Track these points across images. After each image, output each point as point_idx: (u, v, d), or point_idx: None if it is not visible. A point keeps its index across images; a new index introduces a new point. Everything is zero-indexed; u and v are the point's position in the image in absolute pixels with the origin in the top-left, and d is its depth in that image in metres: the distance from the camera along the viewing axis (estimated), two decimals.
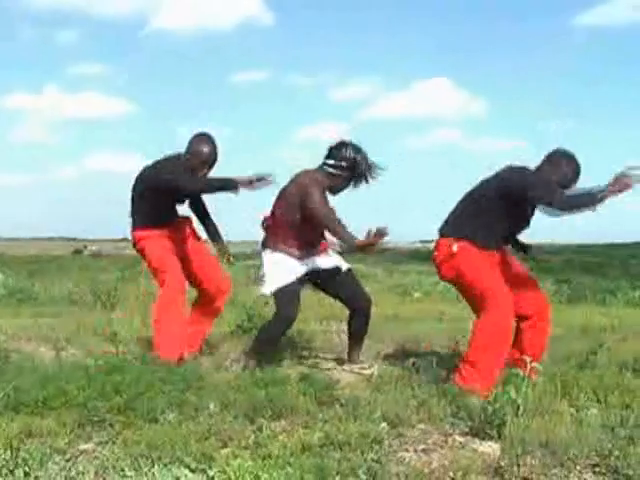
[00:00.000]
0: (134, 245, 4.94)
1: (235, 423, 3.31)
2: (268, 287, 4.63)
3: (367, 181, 4.66)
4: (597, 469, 2.90)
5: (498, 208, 4.27)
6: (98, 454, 2.96)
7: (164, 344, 4.60)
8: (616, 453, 2.93)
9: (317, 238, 4.75)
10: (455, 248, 4.28)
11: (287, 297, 4.57)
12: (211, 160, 4.67)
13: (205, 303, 5.03)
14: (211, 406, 3.55)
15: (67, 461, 2.88)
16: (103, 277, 13.52)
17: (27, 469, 2.73)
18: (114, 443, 3.07)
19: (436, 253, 4.42)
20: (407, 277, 15.30)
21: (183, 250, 4.93)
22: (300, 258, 4.67)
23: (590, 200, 3.99)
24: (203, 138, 4.70)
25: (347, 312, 4.93)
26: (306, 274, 4.71)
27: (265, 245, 4.74)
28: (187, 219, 5.06)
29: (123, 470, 2.74)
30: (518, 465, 2.86)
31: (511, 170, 4.33)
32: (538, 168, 4.31)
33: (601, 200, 3.96)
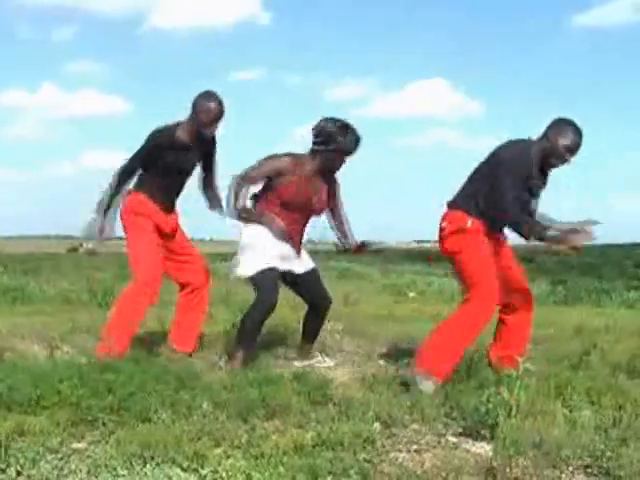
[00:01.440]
0: (122, 216, 4.77)
1: (228, 422, 3.31)
2: (245, 269, 4.60)
3: (353, 146, 4.64)
4: (589, 470, 2.91)
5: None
6: (91, 453, 2.95)
7: (113, 340, 4.48)
8: (608, 454, 2.93)
9: (300, 230, 4.76)
10: (469, 224, 4.25)
11: (267, 282, 4.54)
12: (220, 115, 4.68)
13: (191, 297, 4.98)
14: (204, 405, 3.54)
15: (60, 460, 2.86)
16: (99, 275, 13.51)
17: (19, 468, 2.72)
18: (107, 442, 3.06)
19: (446, 224, 4.35)
20: (402, 277, 15.34)
21: (170, 241, 4.87)
22: (284, 236, 4.63)
23: (531, 232, 4.12)
24: (209, 94, 4.69)
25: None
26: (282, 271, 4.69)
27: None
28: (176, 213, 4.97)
29: (115, 469, 2.73)
30: (510, 466, 2.86)
31: (508, 152, 4.29)
32: (545, 137, 4.29)
33: (541, 239, 4.11)
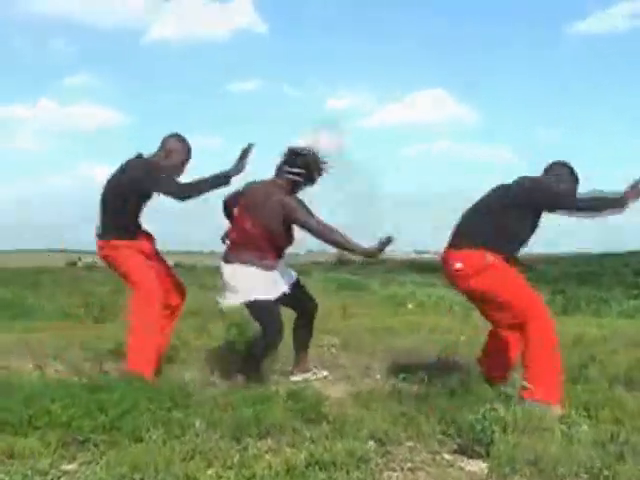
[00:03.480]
0: (101, 255, 4.78)
1: (221, 442, 3.26)
2: (243, 296, 4.59)
3: (318, 177, 4.75)
4: None
5: (520, 217, 4.27)
6: (80, 475, 2.91)
7: (139, 359, 4.48)
8: (605, 473, 2.89)
9: (287, 246, 4.78)
10: (488, 260, 4.18)
11: (271, 316, 4.58)
12: (190, 155, 4.70)
13: (163, 316, 4.90)
14: (197, 424, 3.49)
15: None
16: (97, 290, 13.47)
17: None
18: (97, 464, 3.02)
19: (463, 266, 4.24)
20: (402, 288, 15.31)
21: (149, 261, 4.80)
22: (273, 268, 4.65)
23: (613, 203, 4.16)
24: (177, 136, 4.71)
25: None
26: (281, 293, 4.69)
27: (232, 259, 4.68)
28: (148, 234, 4.91)
29: None
30: None
31: (533, 180, 4.38)
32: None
33: (624, 203, 4.13)
